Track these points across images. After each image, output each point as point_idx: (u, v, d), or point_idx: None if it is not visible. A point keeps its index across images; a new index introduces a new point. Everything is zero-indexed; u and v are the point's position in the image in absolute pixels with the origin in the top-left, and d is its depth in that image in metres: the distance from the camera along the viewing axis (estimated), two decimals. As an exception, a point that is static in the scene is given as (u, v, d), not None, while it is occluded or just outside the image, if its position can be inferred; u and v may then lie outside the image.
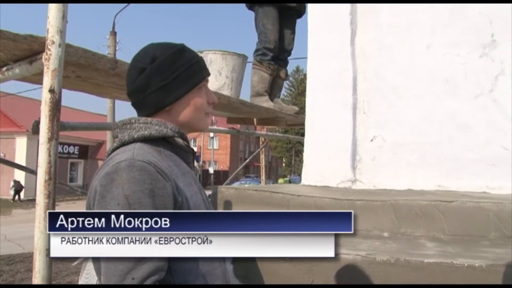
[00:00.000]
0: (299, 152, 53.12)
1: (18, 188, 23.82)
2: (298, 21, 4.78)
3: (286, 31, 4.62)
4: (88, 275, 2.56)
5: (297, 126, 6.17)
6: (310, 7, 3.60)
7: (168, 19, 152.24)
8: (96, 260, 1.12)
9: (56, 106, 1.81)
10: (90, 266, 2.45)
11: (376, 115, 3.27)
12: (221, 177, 38.45)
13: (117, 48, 17.34)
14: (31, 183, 22.62)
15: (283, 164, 62.07)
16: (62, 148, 27.44)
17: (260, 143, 7.53)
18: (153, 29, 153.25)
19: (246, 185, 3.43)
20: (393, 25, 3.31)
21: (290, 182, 27.59)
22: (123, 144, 1.22)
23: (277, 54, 4.57)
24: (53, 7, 1.80)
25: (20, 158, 23.71)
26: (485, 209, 2.48)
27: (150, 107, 1.29)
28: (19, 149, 24.66)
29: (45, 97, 1.81)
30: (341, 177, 3.29)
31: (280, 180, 32.97)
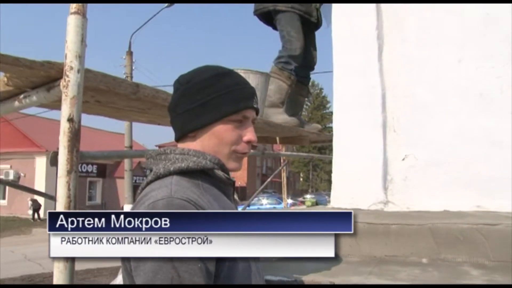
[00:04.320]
0: (316, 167, 52.94)
1: (36, 206, 23.98)
2: (318, 36, 4.66)
3: (309, 46, 4.48)
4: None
5: (319, 143, 6.06)
6: (334, 22, 3.49)
7: (186, 37, 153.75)
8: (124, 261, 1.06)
9: (75, 136, 1.69)
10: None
11: (407, 133, 3.13)
12: (239, 193, 38.43)
13: (133, 68, 17.41)
14: (51, 201, 22.81)
15: (301, 179, 61.73)
16: (81, 167, 27.70)
17: (282, 161, 7.44)
18: (171, 48, 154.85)
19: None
20: (422, 38, 3.18)
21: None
22: (158, 177, 1.12)
23: (301, 64, 4.38)
24: (71, 31, 1.70)
25: (40, 178, 24.02)
26: (533, 233, 2.31)
27: (176, 130, 1.24)
28: (39, 169, 25.01)
29: (64, 126, 1.69)
30: (372, 199, 3.14)
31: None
